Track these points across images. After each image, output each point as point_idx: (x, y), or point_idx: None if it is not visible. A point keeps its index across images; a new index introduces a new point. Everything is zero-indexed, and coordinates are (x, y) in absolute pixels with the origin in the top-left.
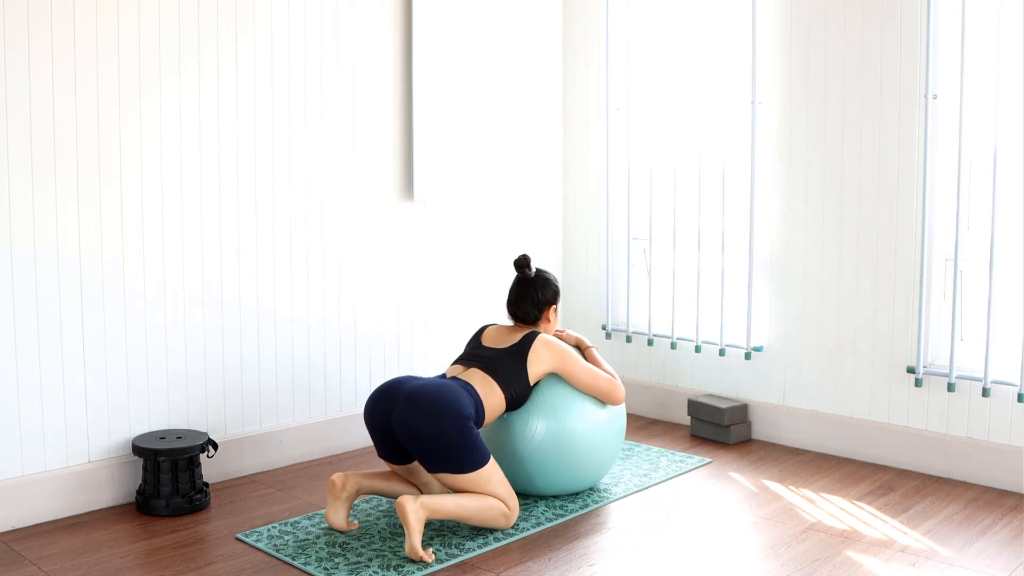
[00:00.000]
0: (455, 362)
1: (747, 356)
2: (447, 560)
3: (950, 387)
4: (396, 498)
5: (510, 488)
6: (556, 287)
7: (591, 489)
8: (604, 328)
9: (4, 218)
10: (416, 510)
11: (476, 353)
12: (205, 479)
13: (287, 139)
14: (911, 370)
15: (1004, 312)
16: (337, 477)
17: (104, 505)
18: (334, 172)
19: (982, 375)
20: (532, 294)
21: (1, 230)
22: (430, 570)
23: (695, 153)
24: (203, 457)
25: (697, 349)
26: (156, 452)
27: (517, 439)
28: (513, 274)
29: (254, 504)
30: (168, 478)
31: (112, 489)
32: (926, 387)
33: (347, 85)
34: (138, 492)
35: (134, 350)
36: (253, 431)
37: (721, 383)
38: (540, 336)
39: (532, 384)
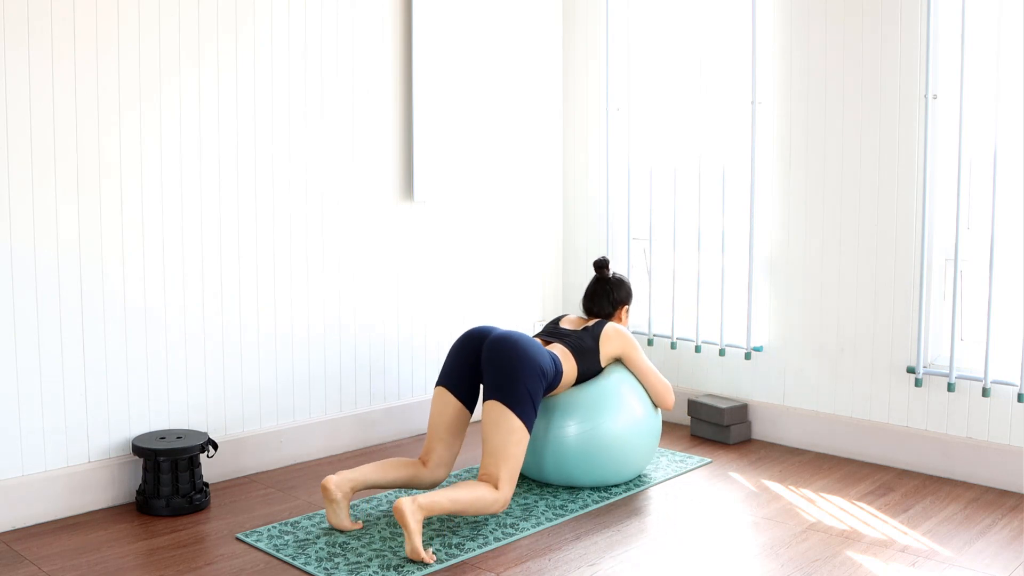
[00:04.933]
0: (535, 336)
1: (747, 356)
2: (447, 560)
3: (950, 387)
4: (391, 489)
5: (517, 470)
6: (630, 289)
7: (592, 489)
8: None
9: (4, 218)
10: (414, 512)
11: (556, 332)
12: (205, 479)
13: (287, 139)
14: (911, 370)
15: (1004, 312)
16: (328, 480)
17: (104, 505)
18: (334, 172)
19: (982, 375)
20: (608, 292)
21: (1, 230)
22: (430, 570)
23: (695, 153)
24: (203, 457)
25: (697, 349)
26: (156, 452)
27: (553, 434)
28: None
29: (254, 504)
30: (168, 478)
31: (112, 489)
32: (926, 387)
33: (347, 85)
34: (138, 492)
35: (134, 350)
36: (253, 431)
37: (721, 383)
38: (611, 323)
39: (603, 365)
